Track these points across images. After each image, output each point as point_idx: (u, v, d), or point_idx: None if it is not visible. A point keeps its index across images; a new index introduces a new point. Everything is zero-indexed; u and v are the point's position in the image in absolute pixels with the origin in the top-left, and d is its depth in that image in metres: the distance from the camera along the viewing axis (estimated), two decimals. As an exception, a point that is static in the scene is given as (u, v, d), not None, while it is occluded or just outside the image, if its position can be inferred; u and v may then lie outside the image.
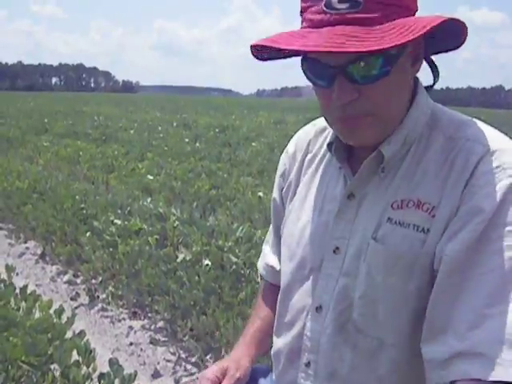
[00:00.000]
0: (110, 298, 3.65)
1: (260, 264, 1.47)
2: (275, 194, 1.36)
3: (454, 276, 0.93)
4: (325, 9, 0.93)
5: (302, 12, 1.00)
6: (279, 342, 1.29)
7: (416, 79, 1.08)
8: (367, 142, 1.05)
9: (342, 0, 0.92)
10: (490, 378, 0.86)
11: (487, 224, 0.91)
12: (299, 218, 1.21)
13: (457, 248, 0.93)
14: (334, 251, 1.11)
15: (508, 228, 0.90)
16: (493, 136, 1.01)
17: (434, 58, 1.11)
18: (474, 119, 1.07)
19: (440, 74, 1.12)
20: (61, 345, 2.39)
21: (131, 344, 3.21)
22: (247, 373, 1.33)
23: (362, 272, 1.05)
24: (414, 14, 0.98)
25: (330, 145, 1.15)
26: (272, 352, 1.34)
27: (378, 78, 0.96)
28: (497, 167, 0.94)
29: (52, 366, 2.33)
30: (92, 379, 2.38)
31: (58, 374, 2.29)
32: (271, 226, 1.44)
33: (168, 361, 3.02)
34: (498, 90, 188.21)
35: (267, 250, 1.44)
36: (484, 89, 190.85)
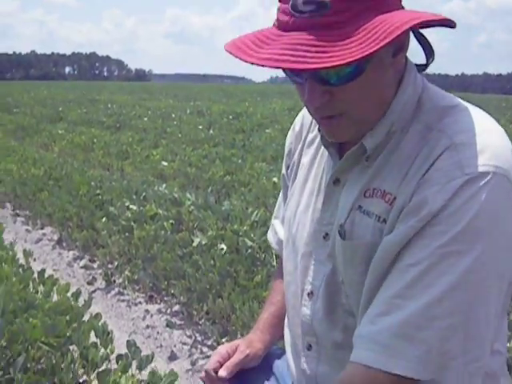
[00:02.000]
0: (126, 282, 3.68)
1: (272, 239, 1.45)
2: (283, 170, 1.35)
3: (383, 264, 0.94)
4: (291, 10, 0.88)
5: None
6: (287, 327, 1.31)
7: (406, 60, 1.01)
8: (345, 139, 1.04)
9: (307, 2, 0.86)
10: (379, 367, 0.89)
11: (428, 221, 0.90)
12: (299, 203, 1.21)
13: (393, 240, 0.93)
14: (324, 237, 1.11)
15: (445, 228, 0.88)
16: (467, 127, 0.95)
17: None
18: (466, 104, 1.01)
19: (435, 53, 1.04)
20: (79, 326, 2.42)
21: (148, 327, 3.24)
22: (259, 354, 1.36)
23: (339, 261, 1.06)
24: (397, 2, 0.92)
25: (320, 129, 1.11)
26: (284, 336, 1.35)
27: (352, 78, 0.91)
28: (454, 163, 0.90)
29: (71, 347, 2.36)
30: (110, 361, 2.40)
31: (76, 355, 2.32)
32: (281, 201, 1.42)
33: (184, 344, 3.04)
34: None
35: (278, 226, 1.42)
36: (500, 75, 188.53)
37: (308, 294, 1.14)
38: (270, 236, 1.46)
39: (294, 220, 1.21)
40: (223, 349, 1.34)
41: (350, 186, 1.05)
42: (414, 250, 0.91)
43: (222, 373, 1.28)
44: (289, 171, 1.31)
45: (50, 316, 2.30)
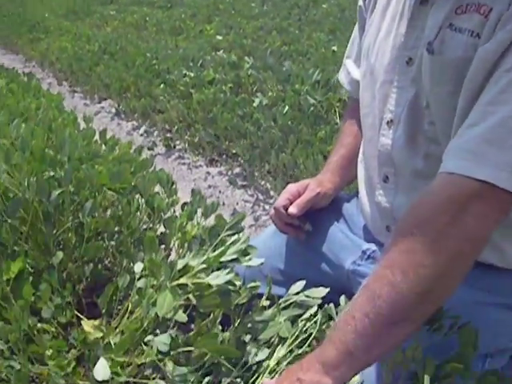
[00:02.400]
0: (186, 146, 3.67)
1: (344, 80, 1.39)
2: (360, 2, 1.26)
3: (477, 77, 0.86)
4: None
5: None
6: (361, 162, 1.26)
7: None
8: None
9: None
10: (467, 174, 0.82)
11: None
12: (379, 30, 1.13)
13: (489, 48, 0.84)
14: (407, 62, 1.04)
15: None
16: None
17: None
18: None
19: None
20: (143, 176, 2.41)
21: (209, 187, 3.24)
22: (329, 193, 1.34)
23: (425, 82, 0.99)
24: None
25: None
26: (358, 174, 1.31)
27: None
28: None
29: (136, 196, 2.37)
30: (175, 210, 2.41)
31: (142, 204, 2.33)
32: (355, 38, 1.35)
33: (246, 202, 3.04)
34: None
35: (351, 65, 1.36)
36: None
37: (387, 123, 1.09)
38: (342, 77, 1.40)
39: (373, 48, 1.14)
40: (293, 187, 1.32)
41: (440, 4, 0.96)
42: (511, 55, 0.82)
43: (292, 210, 1.27)
44: (367, 1, 1.23)
45: (114, 164, 2.30)
